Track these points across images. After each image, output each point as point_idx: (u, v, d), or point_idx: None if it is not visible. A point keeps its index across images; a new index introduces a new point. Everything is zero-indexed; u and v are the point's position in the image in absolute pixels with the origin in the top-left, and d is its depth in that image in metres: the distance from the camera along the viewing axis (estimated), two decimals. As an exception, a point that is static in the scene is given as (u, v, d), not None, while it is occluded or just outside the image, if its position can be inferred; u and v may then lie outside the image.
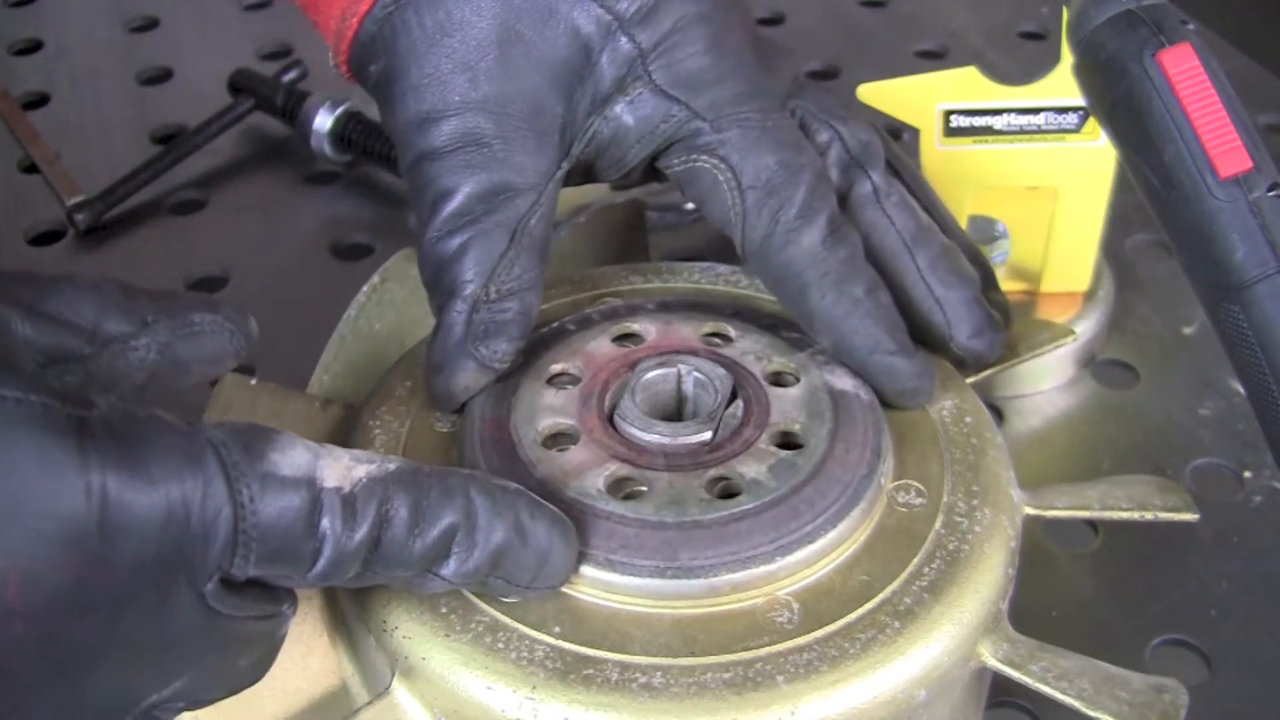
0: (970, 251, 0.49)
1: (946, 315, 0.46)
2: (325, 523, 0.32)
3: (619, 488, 0.40)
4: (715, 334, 0.46)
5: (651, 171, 0.48)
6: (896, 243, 0.47)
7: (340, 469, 0.33)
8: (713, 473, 0.40)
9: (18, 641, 0.28)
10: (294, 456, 0.32)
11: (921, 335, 0.46)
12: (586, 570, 0.38)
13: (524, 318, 0.44)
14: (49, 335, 0.33)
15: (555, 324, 0.47)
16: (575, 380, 0.44)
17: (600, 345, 0.45)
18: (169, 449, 0.30)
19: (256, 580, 0.32)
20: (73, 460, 0.28)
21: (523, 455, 0.40)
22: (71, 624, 0.29)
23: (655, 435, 0.41)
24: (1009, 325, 0.49)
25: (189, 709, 0.33)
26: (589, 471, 0.40)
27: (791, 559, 0.38)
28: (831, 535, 0.39)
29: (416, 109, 0.44)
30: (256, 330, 0.38)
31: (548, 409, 0.42)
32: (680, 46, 0.45)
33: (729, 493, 0.40)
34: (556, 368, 0.44)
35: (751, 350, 0.45)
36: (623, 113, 0.45)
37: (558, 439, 0.42)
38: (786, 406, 0.43)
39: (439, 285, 0.44)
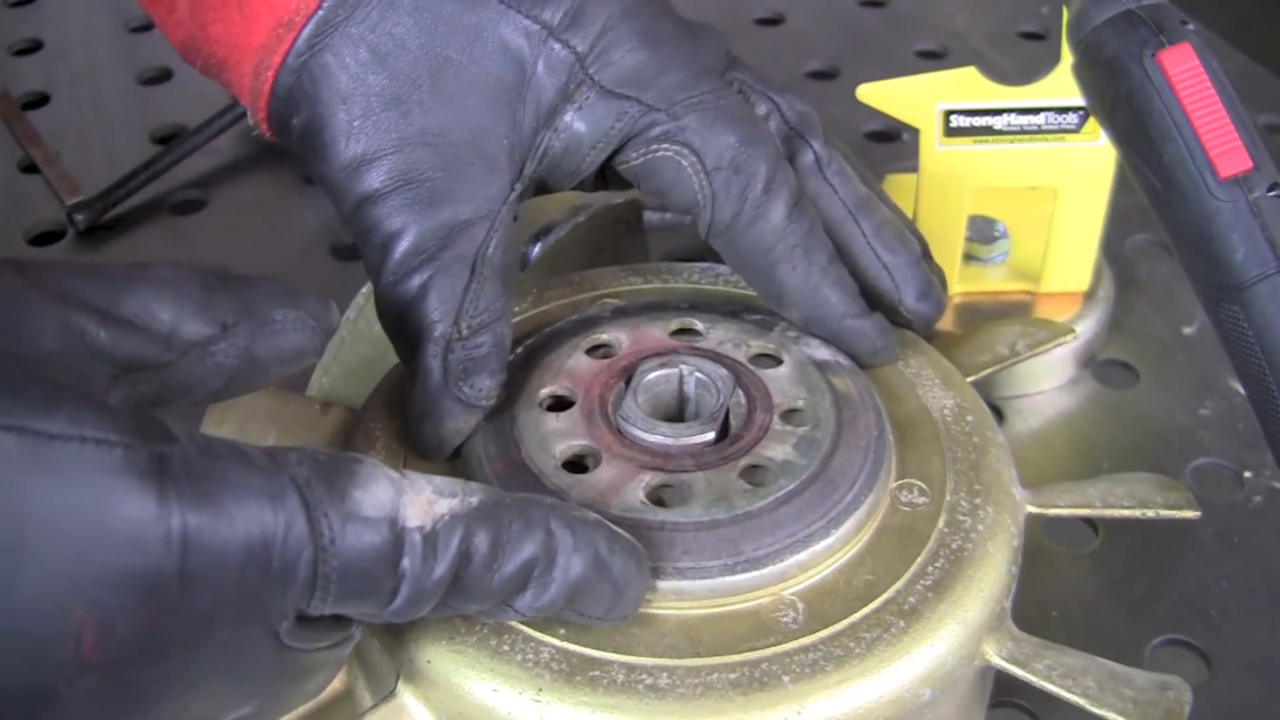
0: (905, 221, 0.49)
1: (895, 279, 0.47)
2: (405, 562, 0.31)
3: (658, 496, 0.40)
4: (684, 330, 0.46)
5: (600, 176, 0.47)
6: (841, 211, 0.47)
7: (422, 504, 0.32)
8: (744, 462, 0.40)
9: (91, 693, 0.27)
10: (376, 494, 0.31)
11: (870, 300, 0.47)
12: (661, 584, 0.37)
13: (500, 350, 0.42)
14: (126, 344, 0.31)
15: (520, 348, 0.45)
16: (569, 400, 0.43)
17: (579, 361, 0.44)
18: (250, 489, 0.29)
19: (332, 617, 0.32)
20: (152, 507, 0.27)
21: (550, 485, 0.40)
22: (144, 671, 0.28)
23: (662, 437, 0.41)
24: (946, 291, 0.49)
25: None
26: (625, 486, 0.40)
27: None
28: (840, 532, 0.39)
29: (350, 154, 0.42)
30: (337, 321, 0.36)
31: (557, 433, 0.41)
32: (615, 45, 0.44)
33: (764, 479, 0.40)
34: (545, 391, 0.43)
35: (727, 339, 0.45)
36: (573, 121, 0.44)
37: (579, 461, 0.41)
38: (783, 385, 0.43)
39: (404, 330, 0.42)
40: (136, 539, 0.27)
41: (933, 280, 0.48)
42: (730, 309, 0.47)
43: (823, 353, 0.45)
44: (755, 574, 0.38)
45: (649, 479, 0.40)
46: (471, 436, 0.42)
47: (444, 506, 0.32)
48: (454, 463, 0.42)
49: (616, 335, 0.46)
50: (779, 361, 0.44)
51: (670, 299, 0.48)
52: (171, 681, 0.29)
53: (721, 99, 0.45)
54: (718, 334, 0.46)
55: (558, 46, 0.43)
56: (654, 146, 0.45)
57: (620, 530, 0.36)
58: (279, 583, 0.29)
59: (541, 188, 0.46)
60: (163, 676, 0.28)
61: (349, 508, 0.30)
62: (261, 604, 0.29)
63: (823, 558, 0.39)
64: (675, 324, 0.46)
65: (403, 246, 0.41)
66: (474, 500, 0.33)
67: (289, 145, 0.44)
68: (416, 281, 0.41)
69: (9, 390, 0.27)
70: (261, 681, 0.31)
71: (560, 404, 0.43)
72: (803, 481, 0.39)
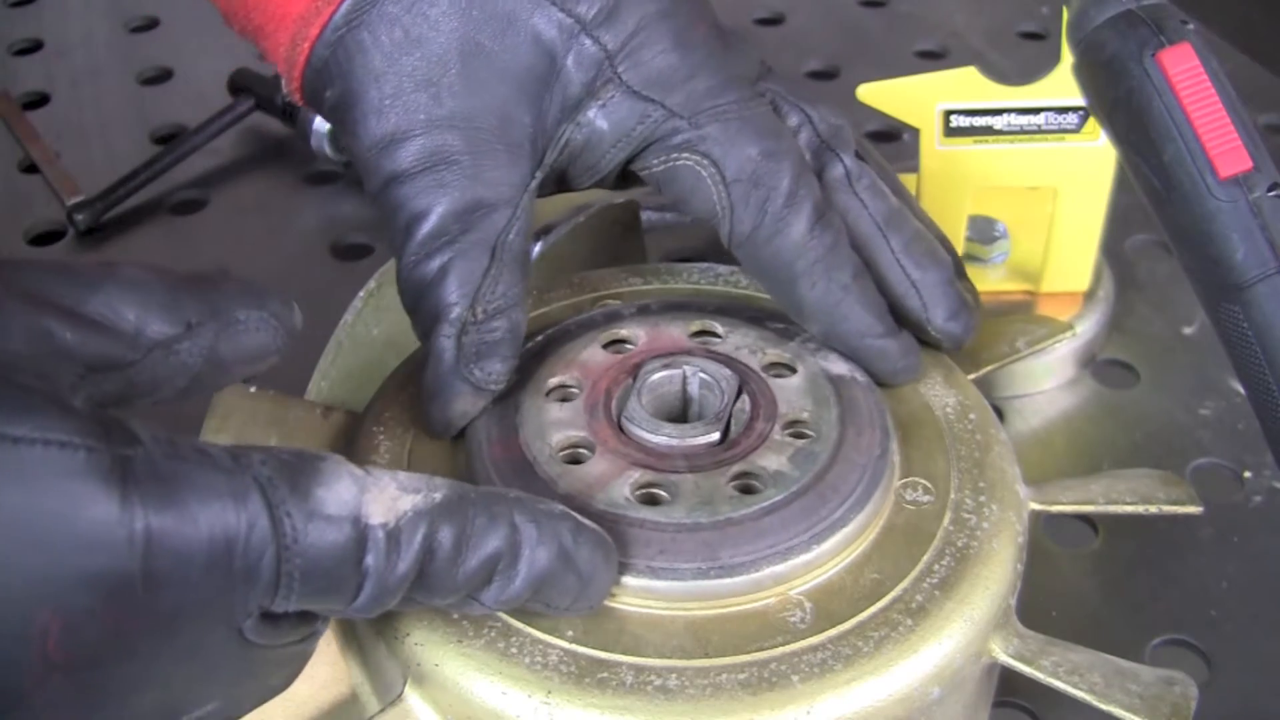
0: (939, 237, 0.49)
1: (922, 298, 0.46)
2: (369, 559, 0.32)
3: (646, 494, 0.40)
4: (704, 332, 0.46)
5: (624, 176, 0.47)
6: (870, 226, 0.46)
7: (386, 501, 0.32)
8: (735, 469, 0.40)
9: (58, 693, 0.27)
10: (340, 491, 0.31)
11: (897, 318, 0.46)
12: (629, 580, 0.38)
13: (514, 335, 0.43)
14: (92, 344, 0.32)
15: (541, 336, 0.46)
16: (575, 391, 0.43)
17: (593, 354, 0.45)
18: (213, 490, 0.29)
19: (296, 613, 0.32)
20: (115, 509, 0.27)
21: (541, 473, 0.40)
22: (109, 671, 0.28)
23: (664, 438, 0.41)
24: (979, 309, 0.49)
25: None
26: (613, 481, 0.40)
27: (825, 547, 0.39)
28: (845, 531, 0.39)
29: (380, 131, 0.42)
30: (301, 321, 0.37)
31: (556, 423, 0.42)
32: (646, 46, 0.44)
33: (754, 488, 0.40)
34: (554, 381, 0.43)
35: (744, 345, 0.45)
36: (596, 117, 0.44)
37: (573, 452, 0.41)
38: (791, 396, 0.43)
39: (422, 311, 0.42)
40: (100, 540, 0.27)
41: (965, 299, 0.47)
42: (755, 315, 0.47)
43: (840, 367, 0.45)
44: (729, 581, 0.38)
45: (638, 476, 0.40)
46: (476, 419, 0.43)
47: (407, 503, 0.33)
48: (457, 443, 0.43)
49: (635, 332, 0.46)
50: (792, 371, 0.44)
51: (697, 300, 0.48)
52: (136, 680, 0.29)
53: (747, 109, 0.45)
54: (737, 339, 0.45)
55: (588, 42, 0.43)
56: (675, 155, 0.45)
57: (587, 522, 0.36)
58: (242, 581, 0.30)
59: (561, 181, 0.47)
60: (128, 675, 0.29)
61: (311, 506, 0.31)
62: (226, 602, 0.30)
63: (802, 571, 0.38)
64: (697, 325, 0.46)
65: (426, 228, 0.42)
66: (437, 496, 0.33)
67: (322, 115, 0.45)
68: (437, 263, 0.42)
69: None
70: (225, 678, 0.32)
71: (566, 395, 0.43)
72: (792, 493, 0.39)
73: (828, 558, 0.39)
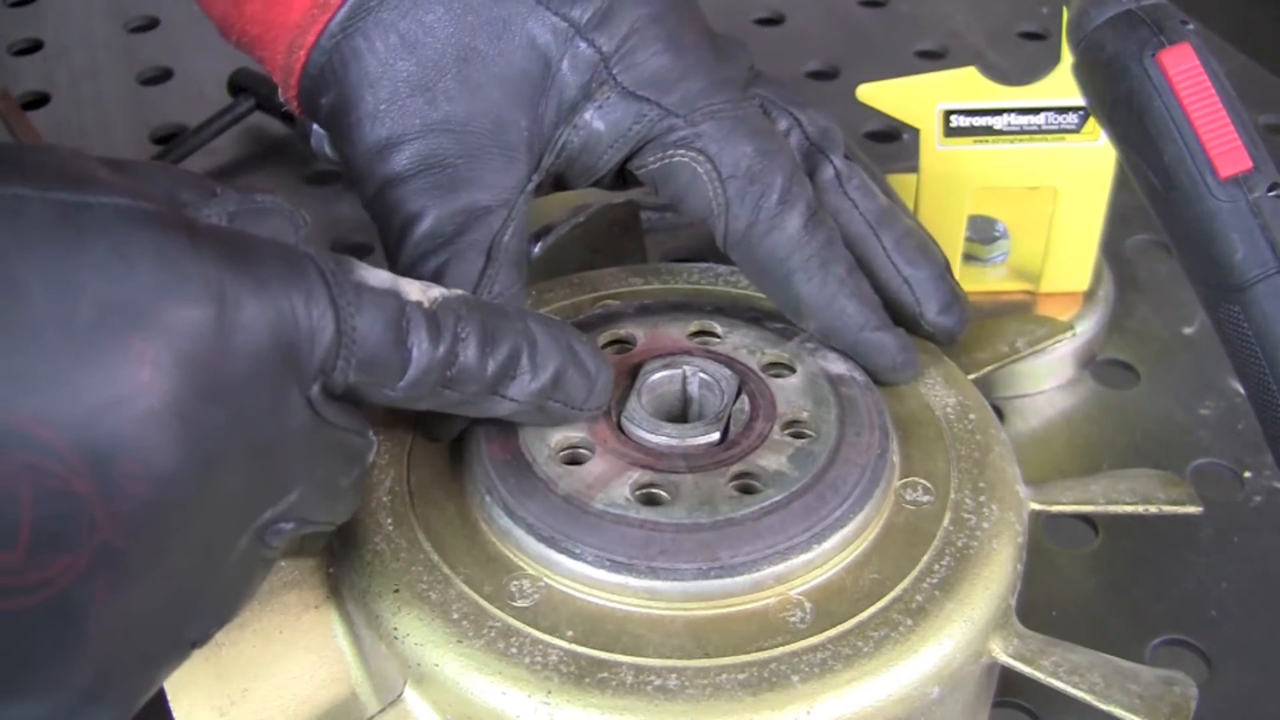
0: (927, 235, 0.49)
1: (915, 293, 0.47)
2: (413, 335, 0.34)
3: (645, 494, 0.40)
4: (702, 332, 0.46)
5: (620, 177, 0.47)
6: (862, 225, 0.47)
7: (418, 288, 0.35)
8: (735, 469, 0.40)
9: (155, 424, 0.28)
10: (378, 273, 0.34)
11: (891, 315, 0.46)
12: (630, 580, 0.38)
13: None
14: (133, 189, 0.32)
15: None
16: None
17: None
18: (273, 256, 0.31)
19: (350, 395, 0.34)
20: (188, 257, 0.29)
21: (540, 473, 0.40)
22: (200, 410, 0.29)
23: (664, 438, 0.41)
24: (968, 304, 0.49)
25: (298, 530, 0.34)
26: (613, 482, 0.40)
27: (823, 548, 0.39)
28: (845, 531, 0.39)
29: (375, 136, 0.43)
30: (310, 220, 0.38)
31: None
32: (641, 48, 0.44)
33: (754, 488, 0.40)
34: None
35: (743, 344, 0.45)
36: (593, 119, 0.45)
37: (573, 452, 0.41)
38: (790, 396, 0.43)
39: None
40: (176, 284, 0.29)
41: (957, 293, 0.48)
42: (753, 315, 0.47)
43: (839, 367, 0.45)
44: (729, 581, 0.38)
45: (638, 477, 0.40)
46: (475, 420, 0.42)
47: (437, 291, 0.36)
48: (456, 444, 0.43)
49: (634, 332, 0.46)
50: (791, 371, 0.44)
51: (695, 300, 0.48)
52: (227, 433, 0.30)
53: (740, 109, 0.45)
54: (735, 339, 0.46)
55: (583, 45, 0.44)
56: (670, 152, 0.45)
57: (580, 332, 0.39)
58: (307, 341, 0.31)
59: (559, 183, 0.47)
60: (220, 422, 0.30)
61: (358, 279, 0.33)
62: (294, 360, 0.31)
63: (802, 571, 0.38)
64: (695, 325, 0.46)
65: (421, 229, 0.42)
66: (458, 292, 0.36)
67: (319, 122, 0.46)
68: (432, 264, 0.42)
69: (42, 174, 0.28)
70: (302, 458, 0.33)
71: None
72: (792, 494, 0.39)
73: (828, 557, 0.39)
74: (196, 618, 0.33)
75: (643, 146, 0.45)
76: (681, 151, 0.45)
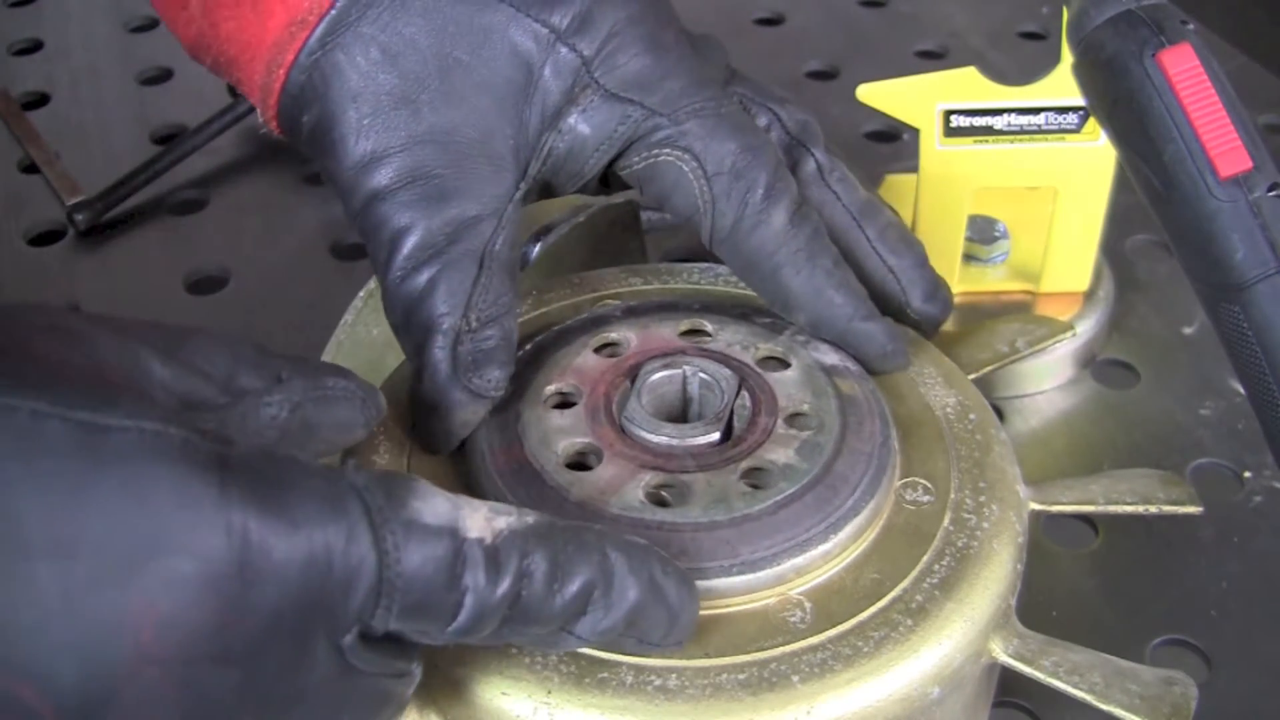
0: (907, 227, 0.50)
1: (900, 282, 0.48)
2: (468, 575, 0.31)
3: (658, 495, 0.40)
4: (693, 330, 0.46)
5: (606, 180, 0.47)
6: (845, 217, 0.48)
7: (481, 520, 0.31)
8: (745, 465, 0.40)
9: (152, 689, 0.26)
10: (436, 505, 0.31)
11: (877, 304, 0.47)
12: None
13: (508, 342, 0.42)
14: (185, 381, 0.31)
15: (529, 344, 0.46)
16: (574, 398, 0.43)
17: (586, 359, 0.44)
18: (311, 491, 0.29)
19: (392, 636, 0.31)
20: (213, 497, 0.27)
21: (550, 481, 0.40)
22: (207, 673, 0.27)
23: (666, 438, 0.41)
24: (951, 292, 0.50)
25: None
26: (625, 485, 0.40)
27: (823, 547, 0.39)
28: (846, 530, 0.39)
29: (360, 151, 0.42)
30: (385, 407, 0.36)
31: (559, 430, 0.42)
32: (621, 50, 0.44)
33: (765, 482, 0.40)
34: (551, 388, 0.43)
35: (735, 341, 0.45)
36: (577, 123, 0.44)
37: (580, 459, 0.41)
38: (789, 389, 0.43)
39: (412, 325, 0.42)
40: (195, 529, 0.26)
41: (939, 281, 0.49)
42: (741, 311, 0.47)
43: (831, 358, 0.45)
44: (752, 577, 0.38)
45: (649, 479, 0.40)
46: (476, 431, 0.42)
47: (502, 523, 0.32)
48: (458, 457, 0.42)
49: (625, 334, 0.46)
50: (786, 365, 0.44)
51: (682, 300, 0.48)
52: (236, 693, 0.28)
53: (723, 107, 0.45)
54: (727, 336, 0.46)
55: (565, 50, 0.43)
56: (655, 151, 0.45)
57: (671, 560, 0.35)
58: (342, 588, 0.29)
59: (546, 190, 0.47)
60: (228, 684, 0.28)
61: (409, 515, 0.30)
62: (325, 609, 0.29)
63: (820, 562, 0.39)
64: (685, 325, 0.46)
65: (411, 242, 0.42)
66: (529, 519, 0.33)
67: (298, 144, 0.45)
68: (425, 276, 0.41)
69: (65, 385, 0.27)
70: (325, 708, 0.30)
71: (565, 401, 0.43)
72: (804, 486, 0.39)
73: (820, 562, 0.39)
74: None
75: (627, 147, 0.45)
76: (666, 151, 0.45)
